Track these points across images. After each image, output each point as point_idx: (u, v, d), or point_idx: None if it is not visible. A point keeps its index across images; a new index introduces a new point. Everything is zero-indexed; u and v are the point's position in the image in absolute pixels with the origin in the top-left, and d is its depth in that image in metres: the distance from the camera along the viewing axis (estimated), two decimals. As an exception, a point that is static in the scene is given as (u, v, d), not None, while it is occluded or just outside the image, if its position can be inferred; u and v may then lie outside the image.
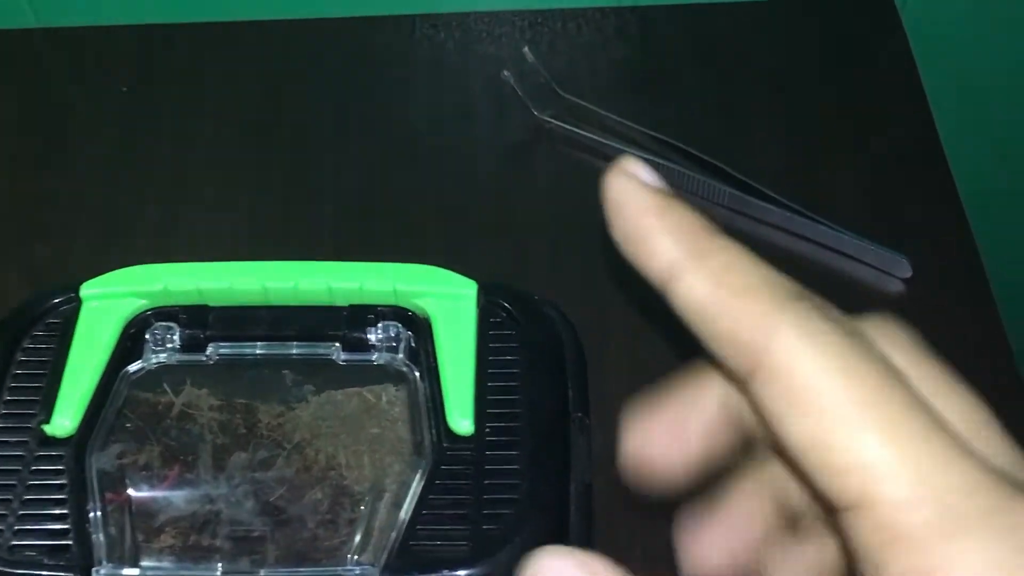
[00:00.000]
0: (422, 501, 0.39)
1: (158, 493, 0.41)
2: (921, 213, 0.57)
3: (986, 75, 0.73)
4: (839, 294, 0.56)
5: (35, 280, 0.56)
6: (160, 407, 0.43)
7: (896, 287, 0.54)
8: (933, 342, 0.52)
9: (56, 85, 0.65)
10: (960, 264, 0.55)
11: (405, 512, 0.39)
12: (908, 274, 0.54)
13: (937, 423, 0.19)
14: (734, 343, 0.21)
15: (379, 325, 0.43)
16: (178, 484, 0.41)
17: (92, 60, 0.66)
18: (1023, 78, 0.73)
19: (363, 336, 0.43)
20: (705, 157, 0.59)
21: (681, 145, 0.59)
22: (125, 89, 0.64)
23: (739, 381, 0.21)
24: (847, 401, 0.19)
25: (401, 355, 0.43)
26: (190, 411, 0.43)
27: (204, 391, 0.43)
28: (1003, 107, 0.75)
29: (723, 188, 0.57)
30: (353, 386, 0.43)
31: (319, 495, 0.42)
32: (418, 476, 0.40)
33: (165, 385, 0.43)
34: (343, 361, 0.43)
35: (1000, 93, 0.74)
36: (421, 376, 0.42)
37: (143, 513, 0.40)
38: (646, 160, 0.61)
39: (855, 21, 0.66)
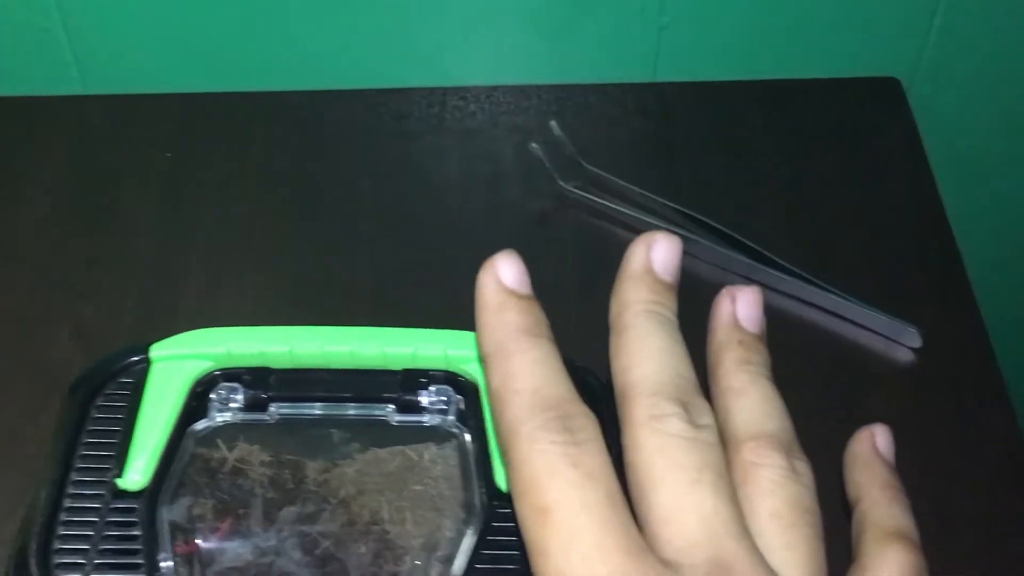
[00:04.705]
0: (475, 557, 0.41)
1: (219, 544, 0.43)
2: (929, 284, 0.60)
3: (991, 153, 0.76)
4: (851, 362, 0.59)
5: (83, 339, 0.58)
6: (219, 463, 0.45)
7: (906, 356, 0.57)
8: (941, 410, 0.55)
9: (103, 150, 0.68)
10: (966, 333, 0.58)
11: (459, 568, 0.41)
12: (918, 344, 0.57)
13: (618, 538, 0.26)
14: (497, 428, 0.28)
15: (431, 388, 0.46)
16: (235, 536, 0.44)
17: (138, 126, 0.69)
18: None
19: (416, 399, 0.45)
20: (720, 227, 0.61)
21: (697, 215, 0.62)
22: (169, 155, 0.67)
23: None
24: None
25: (451, 417, 0.46)
26: (246, 467, 0.45)
27: (261, 448, 0.46)
28: (1008, 184, 0.78)
29: (738, 257, 0.60)
30: (401, 445, 0.46)
31: (363, 548, 0.45)
32: (469, 533, 0.42)
33: (225, 442, 0.45)
34: (396, 422, 0.46)
35: (1005, 172, 0.77)
36: (471, 438, 0.45)
37: (205, 563, 0.43)
38: (665, 229, 0.64)
39: (864, 100, 0.70)
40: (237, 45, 0.69)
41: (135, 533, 0.41)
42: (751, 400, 0.30)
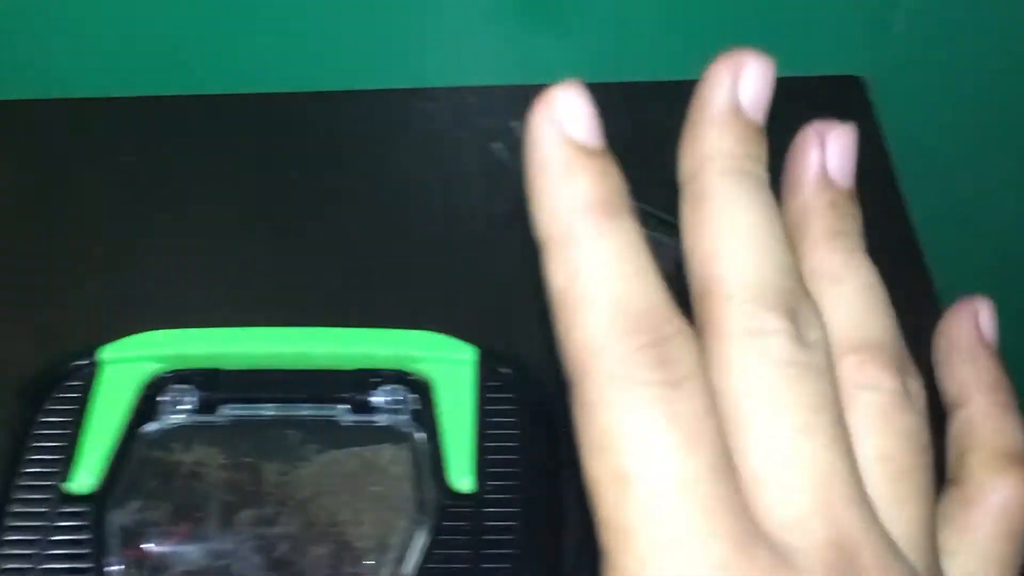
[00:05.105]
0: (425, 557, 0.41)
1: (171, 548, 0.43)
2: (891, 282, 0.60)
3: (954, 150, 0.76)
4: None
5: (38, 343, 0.58)
6: (171, 466, 0.45)
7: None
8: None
9: (61, 154, 0.67)
10: (928, 330, 0.58)
11: (410, 569, 0.41)
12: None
13: (715, 483, 0.20)
14: (564, 350, 0.21)
15: (383, 388, 0.45)
16: (189, 539, 0.43)
17: (96, 130, 0.68)
18: (991, 155, 0.77)
19: (368, 399, 0.45)
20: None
21: (665, 216, 0.62)
22: (130, 158, 0.66)
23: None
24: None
25: (404, 417, 0.45)
26: (200, 470, 0.45)
27: (213, 450, 0.45)
28: (971, 182, 0.78)
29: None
30: (357, 446, 0.45)
31: (322, 551, 0.44)
32: (422, 533, 0.42)
33: (177, 444, 0.45)
34: (349, 422, 0.45)
35: (968, 170, 0.77)
36: (424, 437, 0.44)
37: (157, 567, 0.42)
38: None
39: (827, 99, 0.69)
40: (195, 48, 0.68)
41: (83, 537, 0.41)
42: (850, 291, 0.24)
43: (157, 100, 0.69)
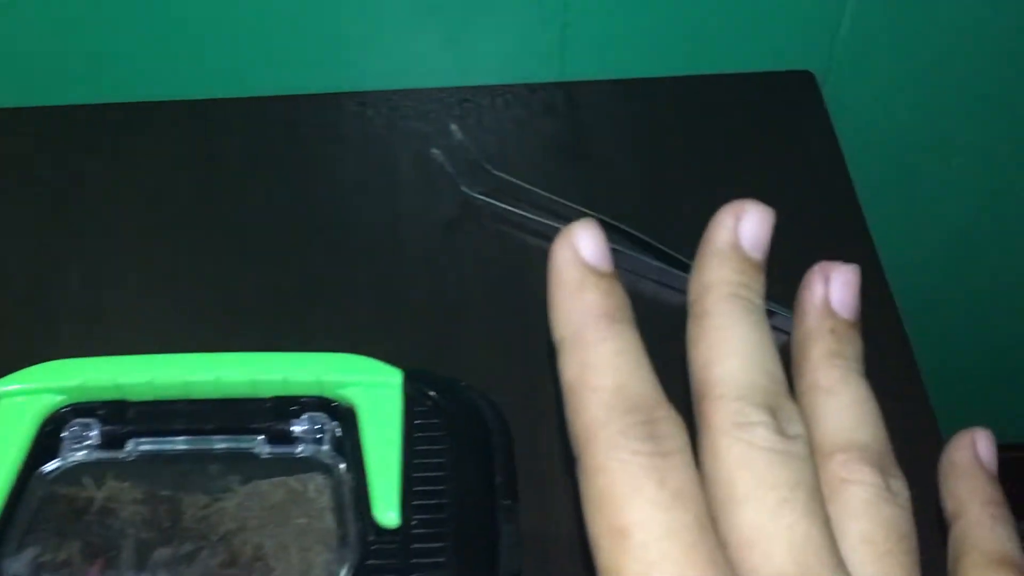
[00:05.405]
0: (348, 597, 0.38)
1: (77, 594, 0.40)
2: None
3: (906, 147, 0.74)
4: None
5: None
6: (80, 503, 0.42)
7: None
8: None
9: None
10: (882, 327, 0.56)
11: (331, 609, 0.38)
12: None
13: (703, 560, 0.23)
14: (571, 428, 0.25)
15: (303, 416, 0.42)
16: (99, 583, 0.40)
17: (13, 142, 0.65)
18: (943, 151, 0.75)
19: (287, 428, 0.42)
20: (633, 232, 0.59)
21: (609, 220, 0.60)
22: (48, 172, 0.63)
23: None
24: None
25: (326, 447, 0.42)
26: (112, 506, 0.42)
27: (126, 484, 0.42)
28: (924, 178, 0.77)
29: (651, 262, 0.58)
30: (275, 478, 0.43)
31: (244, 587, 0.42)
32: (344, 571, 0.39)
33: (85, 480, 0.42)
34: (267, 454, 0.42)
35: (920, 164, 0.76)
36: (347, 468, 0.41)
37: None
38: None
39: (778, 93, 0.67)
40: (119, 52, 0.65)
41: (-26, 588, 0.38)
42: (842, 402, 0.27)
43: (76, 109, 0.66)
